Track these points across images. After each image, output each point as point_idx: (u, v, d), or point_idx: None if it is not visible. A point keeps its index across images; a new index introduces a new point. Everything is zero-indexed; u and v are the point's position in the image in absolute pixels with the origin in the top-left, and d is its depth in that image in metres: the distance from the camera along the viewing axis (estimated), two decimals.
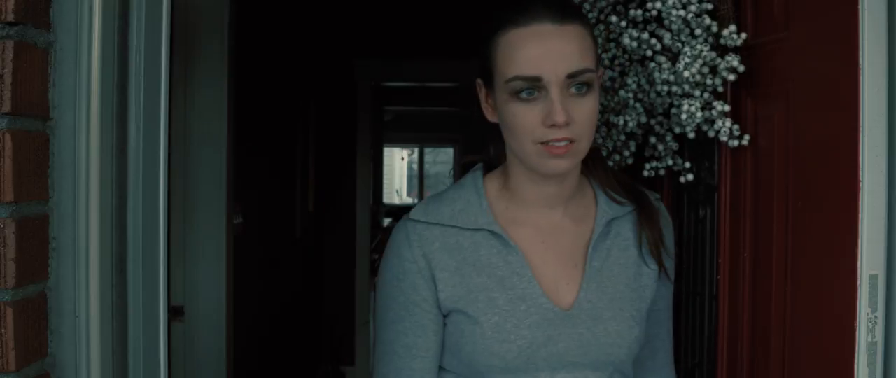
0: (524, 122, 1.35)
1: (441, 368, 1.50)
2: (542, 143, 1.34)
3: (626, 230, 1.51)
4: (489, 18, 1.41)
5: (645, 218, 1.51)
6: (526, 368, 1.41)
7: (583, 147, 1.37)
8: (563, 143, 1.33)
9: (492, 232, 1.45)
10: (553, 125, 1.32)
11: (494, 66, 1.39)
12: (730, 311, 1.73)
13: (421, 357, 1.47)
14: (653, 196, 1.56)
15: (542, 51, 1.33)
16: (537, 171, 1.40)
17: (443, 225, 1.47)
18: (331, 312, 5.84)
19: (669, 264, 1.54)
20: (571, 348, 1.42)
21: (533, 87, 1.33)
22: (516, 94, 1.34)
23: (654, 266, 1.51)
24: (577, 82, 1.34)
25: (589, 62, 1.35)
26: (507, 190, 1.50)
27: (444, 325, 1.47)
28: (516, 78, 1.34)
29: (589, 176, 1.54)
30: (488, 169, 1.55)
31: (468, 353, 1.43)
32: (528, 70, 1.33)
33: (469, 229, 1.46)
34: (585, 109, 1.34)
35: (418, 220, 1.48)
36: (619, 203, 1.51)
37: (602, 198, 1.51)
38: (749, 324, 1.66)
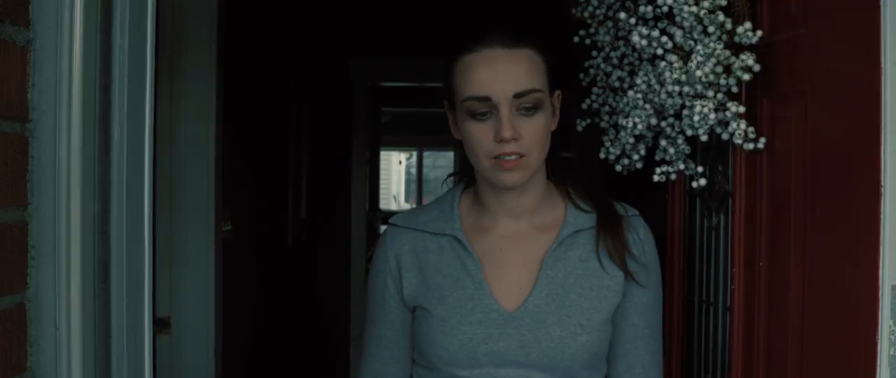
0: (478, 138, 1.58)
1: (413, 361, 1.76)
2: (495, 157, 1.57)
3: (592, 242, 1.69)
4: (449, 45, 1.64)
5: (604, 227, 1.69)
6: (469, 362, 1.63)
7: (533, 161, 1.59)
8: (512, 158, 1.56)
9: (455, 238, 1.70)
10: (502, 140, 1.54)
11: (453, 88, 1.62)
12: (745, 323, 1.73)
13: (389, 347, 1.76)
14: (625, 210, 1.73)
15: (491, 73, 1.56)
16: (494, 184, 1.63)
17: (415, 229, 1.74)
18: (324, 324, 5.83)
19: (641, 272, 1.69)
20: (512, 347, 1.62)
21: (485, 106, 1.56)
22: (471, 113, 1.58)
23: (618, 279, 1.67)
24: (524, 102, 1.56)
25: (537, 83, 1.57)
26: (478, 201, 1.73)
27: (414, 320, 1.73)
28: (469, 98, 1.57)
29: (562, 188, 1.75)
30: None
31: (422, 345, 1.69)
32: (479, 91, 1.56)
33: (437, 234, 1.72)
34: (533, 127, 1.57)
35: (396, 225, 1.77)
36: (587, 214, 1.71)
37: (571, 210, 1.72)
38: (765, 336, 1.66)
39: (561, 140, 1.71)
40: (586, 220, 1.70)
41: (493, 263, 1.69)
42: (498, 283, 1.68)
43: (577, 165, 1.80)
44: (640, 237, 1.72)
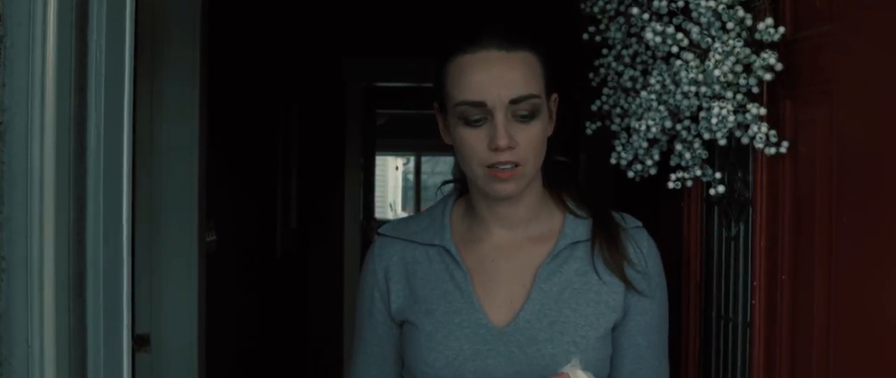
0: (471, 145, 1.58)
1: None
2: (488, 166, 1.58)
3: (590, 255, 1.69)
4: (441, 45, 1.65)
5: (600, 234, 1.70)
6: None
7: (529, 170, 1.60)
8: (507, 167, 1.57)
9: (445, 248, 1.70)
10: (497, 149, 1.55)
11: (445, 91, 1.63)
12: (766, 340, 1.73)
13: (376, 364, 1.78)
14: (625, 220, 1.73)
15: (487, 77, 1.56)
16: (487, 194, 1.64)
17: (404, 240, 1.75)
18: (316, 340, 5.83)
19: (640, 280, 1.69)
20: (501, 365, 1.62)
21: (479, 112, 1.56)
22: (464, 118, 1.58)
23: (618, 294, 1.67)
24: (521, 108, 1.57)
25: (534, 88, 1.59)
26: (470, 210, 1.74)
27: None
28: (462, 103, 1.57)
29: (557, 196, 1.75)
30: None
31: (409, 361, 1.69)
32: (473, 95, 1.56)
33: (426, 245, 1.73)
34: (530, 134, 1.58)
35: (385, 235, 1.79)
36: (585, 221, 1.72)
37: (570, 220, 1.72)
38: (788, 355, 1.66)
39: (557, 144, 1.71)
40: (584, 230, 1.71)
41: (484, 276, 1.70)
42: (488, 296, 1.68)
43: (571, 170, 1.80)
44: (643, 251, 1.72)
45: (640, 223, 1.76)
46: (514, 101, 1.56)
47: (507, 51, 1.59)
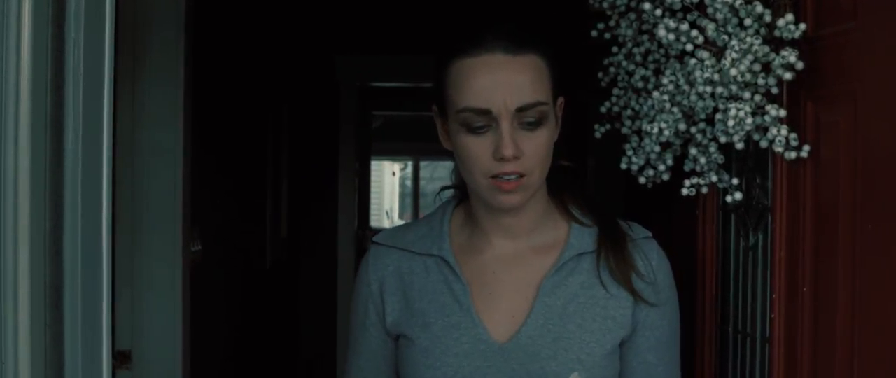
0: (474, 154, 1.57)
1: None
2: (492, 177, 1.57)
3: (595, 267, 1.69)
4: (443, 45, 1.63)
5: (606, 243, 1.69)
6: None
7: (534, 181, 1.60)
8: (512, 177, 1.56)
9: (443, 259, 1.69)
10: (502, 158, 1.54)
11: (446, 95, 1.61)
12: (786, 356, 1.72)
13: None
14: (632, 230, 1.73)
15: (492, 82, 1.54)
16: (489, 205, 1.64)
17: (400, 249, 1.75)
18: (308, 355, 5.82)
19: (648, 290, 1.68)
20: None
21: (483, 119, 1.55)
22: (467, 125, 1.56)
23: (625, 309, 1.67)
24: (528, 116, 1.55)
25: (542, 95, 1.57)
26: (470, 219, 1.74)
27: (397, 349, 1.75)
28: (466, 109, 1.55)
29: (564, 206, 1.75)
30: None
31: (404, 376, 1.71)
32: (477, 102, 1.54)
33: (423, 255, 1.72)
34: (536, 143, 1.57)
35: (380, 244, 1.78)
36: (590, 230, 1.71)
37: (575, 229, 1.72)
38: (809, 374, 1.66)
39: (562, 148, 1.71)
40: (591, 240, 1.70)
41: (485, 288, 1.69)
42: (489, 310, 1.68)
43: (576, 175, 1.80)
44: (652, 263, 1.71)
45: (649, 233, 1.75)
46: (520, 109, 1.55)
47: (514, 55, 1.57)
